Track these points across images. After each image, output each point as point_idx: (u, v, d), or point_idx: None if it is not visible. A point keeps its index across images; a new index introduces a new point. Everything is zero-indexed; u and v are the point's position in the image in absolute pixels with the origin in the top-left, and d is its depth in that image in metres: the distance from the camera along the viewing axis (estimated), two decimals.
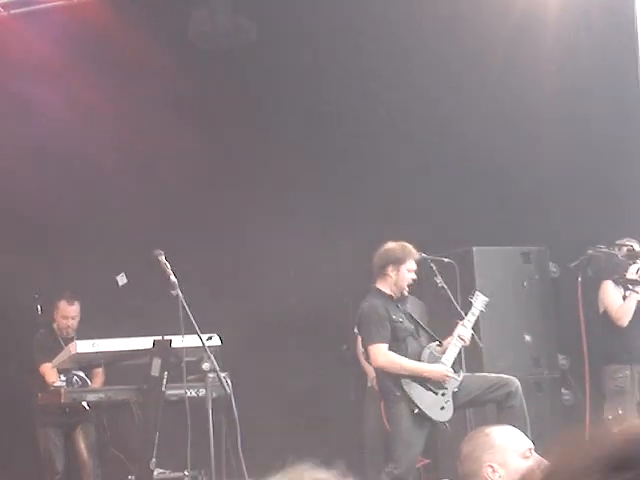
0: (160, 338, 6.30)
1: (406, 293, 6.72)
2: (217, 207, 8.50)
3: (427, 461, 7.81)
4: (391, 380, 6.56)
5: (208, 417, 6.20)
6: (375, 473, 7.97)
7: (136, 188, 8.30)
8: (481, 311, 6.81)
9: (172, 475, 6.71)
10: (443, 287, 6.99)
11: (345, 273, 8.41)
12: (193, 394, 6.44)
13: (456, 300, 7.10)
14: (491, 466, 3.29)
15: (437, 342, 6.76)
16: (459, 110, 7.93)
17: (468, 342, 6.71)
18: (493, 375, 6.78)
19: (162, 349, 6.28)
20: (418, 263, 6.79)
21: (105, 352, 6.50)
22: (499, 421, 6.52)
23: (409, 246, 6.61)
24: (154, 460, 6.33)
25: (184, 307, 5.49)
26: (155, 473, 6.39)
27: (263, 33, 8.31)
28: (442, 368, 6.61)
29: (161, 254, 5.84)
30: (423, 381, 6.56)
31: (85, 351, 6.40)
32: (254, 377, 7.97)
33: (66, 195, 7.98)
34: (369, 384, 8.26)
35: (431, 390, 6.59)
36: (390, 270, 6.61)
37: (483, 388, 6.59)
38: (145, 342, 6.37)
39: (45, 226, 8.16)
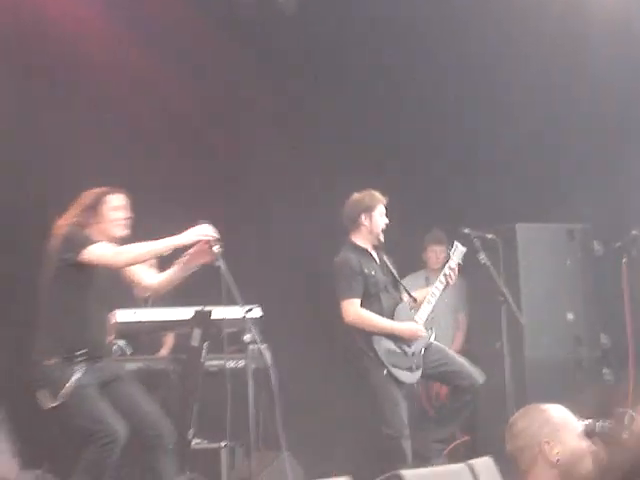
0: (201, 309, 6.30)
1: (382, 239, 6.65)
2: (266, 179, 8.47)
3: (466, 438, 7.78)
4: (362, 338, 6.44)
5: (248, 389, 6.19)
6: (413, 450, 7.96)
7: (181, 158, 8.28)
8: (458, 263, 6.74)
9: (210, 446, 6.72)
10: (486, 264, 6.92)
11: (389, 248, 8.37)
12: (233, 365, 6.43)
13: (499, 277, 7.03)
14: (548, 442, 3.28)
15: (412, 299, 6.69)
16: (506, 90, 7.83)
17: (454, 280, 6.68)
18: (463, 360, 6.67)
19: (202, 320, 6.28)
20: (462, 239, 6.75)
21: (146, 322, 6.51)
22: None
23: (376, 193, 6.62)
24: (192, 430, 6.34)
25: (226, 278, 5.46)
26: (193, 443, 6.40)
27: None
28: (414, 327, 6.53)
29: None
30: (394, 339, 6.48)
31: (126, 320, 6.41)
32: (294, 349, 7.95)
33: (104, 165, 7.97)
34: None
35: (401, 349, 6.50)
36: (363, 219, 6.59)
37: (454, 369, 6.53)
38: (186, 312, 6.38)
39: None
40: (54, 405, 5.26)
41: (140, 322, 6.49)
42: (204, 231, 5.41)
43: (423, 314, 6.63)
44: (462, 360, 6.66)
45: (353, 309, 6.42)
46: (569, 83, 7.80)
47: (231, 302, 5.58)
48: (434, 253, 8.24)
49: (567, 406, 3.47)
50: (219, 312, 6.27)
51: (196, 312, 6.32)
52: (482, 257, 6.89)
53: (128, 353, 7.33)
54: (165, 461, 5.45)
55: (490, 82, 7.95)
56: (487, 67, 7.93)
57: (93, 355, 5.39)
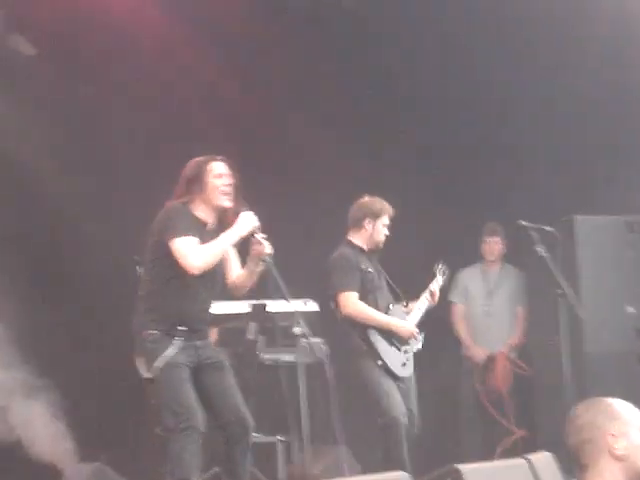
0: (256, 302, 6.31)
1: (381, 246, 6.63)
2: (315, 172, 8.46)
3: (523, 433, 7.71)
4: (357, 332, 6.37)
5: (299, 383, 6.19)
6: (471, 443, 7.91)
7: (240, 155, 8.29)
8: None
9: (265, 439, 6.72)
10: (543, 256, 6.84)
11: (435, 243, 8.31)
12: (288, 359, 6.43)
13: (557, 270, 6.94)
14: (614, 435, 3.23)
15: (404, 303, 6.66)
16: (567, 81, 7.73)
17: (436, 301, 6.74)
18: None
19: (258, 313, 6.29)
20: (518, 231, 6.68)
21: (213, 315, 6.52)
22: None
23: (386, 203, 6.61)
24: None
25: (274, 272, 5.44)
26: None
27: None
28: (410, 326, 6.50)
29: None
30: (388, 336, 6.41)
31: None
32: (350, 344, 7.93)
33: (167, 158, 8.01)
34: (464, 353, 8.18)
35: (395, 346, 6.44)
36: (367, 223, 6.57)
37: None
38: (242, 306, 6.39)
39: (143, 192, 8.19)
40: (148, 377, 5.22)
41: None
42: (252, 219, 5.38)
43: (415, 317, 6.62)
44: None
45: (351, 301, 6.36)
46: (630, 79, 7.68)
47: (279, 296, 5.56)
48: (488, 245, 8.18)
49: (628, 401, 3.41)
50: (274, 305, 6.28)
51: (253, 305, 6.33)
52: (540, 249, 6.80)
53: None
54: (246, 456, 5.42)
55: (543, 79, 7.87)
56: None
57: (192, 333, 5.33)
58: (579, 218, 7.76)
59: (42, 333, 7.57)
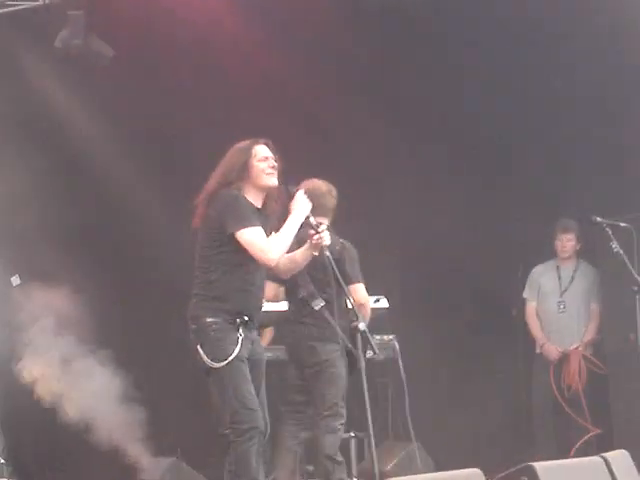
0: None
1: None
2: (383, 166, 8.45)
3: (598, 431, 7.62)
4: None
5: (373, 379, 6.19)
6: (546, 441, 7.83)
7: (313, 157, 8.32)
8: None
9: None
10: (619, 252, 6.75)
11: (515, 237, 8.26)
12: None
13: (632, 266, 6.85)
14: None
15: None
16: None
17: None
18: None
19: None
20: (593, 228, 6.60)
21: (272, 312, 6.55)
22: None
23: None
24: None
25: (334, 270, 5.41)
26: None
27: None
28: None
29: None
30: None
31: None
32: (421, 341, 7.92)
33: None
34: (537, 350, 8.10)
35: None
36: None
37: None
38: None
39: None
40: (214, 367, 5.12)
41: (268, 312, 6.53)
42: (307, 203, 5.33)
43: None
44: None
45: (364, 292, 6.28)
46: None
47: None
48: (560, 242, 8.09)
49: None
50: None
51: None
52: (615, 246, 6.72)
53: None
54: (259, 456, 5.42)
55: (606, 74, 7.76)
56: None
57: (252, 324, 5.29)
58: None
59: (123, 326, 7.70)
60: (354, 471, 6.73)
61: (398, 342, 6.82)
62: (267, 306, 6.50)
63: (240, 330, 5.18)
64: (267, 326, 7.39)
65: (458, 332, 8.59)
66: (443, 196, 8.35)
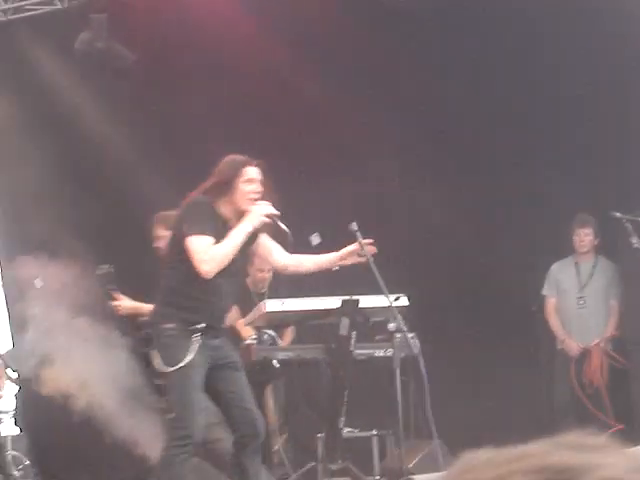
0: (348, 298, 6.32)
1: None
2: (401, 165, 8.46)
3: (620, 427, 7.60)
4: None
5: (395, 378, 6.19)
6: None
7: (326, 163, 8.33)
8: None
9: (361, 434, 6.74)
10: (638, 248, 6.74)
11: (532, 234, 8.24)
12: (381, 354, 6.44)
13: None
14: None
15: None
16: None
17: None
18: None
19: (350, 309, 6.30)
20: (612, 223, 6.60)
21: (294, 311, 6.57)
22: None
23: None
24: (343, 419, 6.37)
25: (372, 268, 5.46)
26: (344, 432, 6.43)
27: None
28: None
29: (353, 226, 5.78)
30: None
31: (275, 310, 6.48)
32: (441, 338, 7.92)
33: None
34: (559, 346, 8.10)
35: None
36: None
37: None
38: (333, 302, 6.41)
39: None
40: (165, 371, 5.21)
41: (289, 312, 6.56)
42: (266, 210, 5.30)
43: None
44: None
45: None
46: None
47: (377, 291, 5.59)
48: (578, 237, 8.06)
49: None
50: (366, 301, 6.30)
51: (344, 301, 6.35)
52: (635, 241, 6.73)
53: (279, 343, 7.41)
54: (254, 460, 5.43)
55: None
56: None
57: (211, 331, 5.29)
58: None
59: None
60: (377, 469, 6.74)
61: (419, 339, 6.82)
62: (287, 305, 6.54)
63: (196, 337, 5.20)
64: (287, 325, 7.42)
65: (479, 329, 8.58)
66: (464, 196, 8.35)
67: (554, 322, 8.13)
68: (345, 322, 6.35)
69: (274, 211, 5.33)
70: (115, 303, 6.69)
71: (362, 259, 5.52)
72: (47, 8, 7.69)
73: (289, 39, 7.89)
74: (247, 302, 7.14)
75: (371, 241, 5.48)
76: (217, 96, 8.22)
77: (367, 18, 7.91)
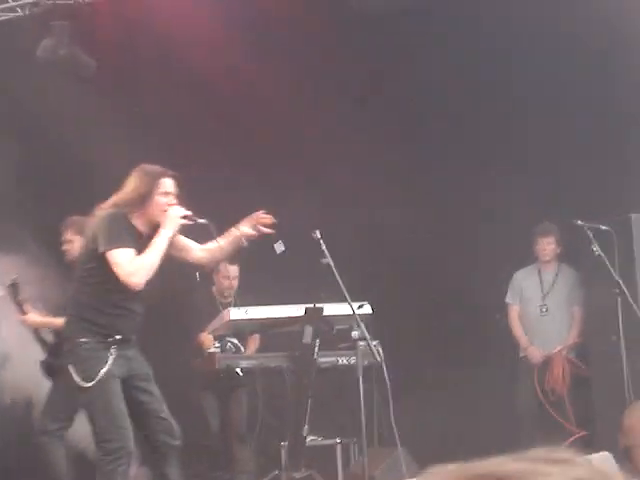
0: (312, 306, 6.32)
1: None
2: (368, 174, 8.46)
3: (583, 433, 7.64)
4: None
5: (359, 386, 6.20)
6: (531, 444, 7.85)
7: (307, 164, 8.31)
8: None
9: (324, 442, 6.74)
10: (600, 255, 6.79)
11: (495, 242, 8.27)
12: (345, 362, 6.44)
13: (614, 269, 6.88)
14: None
15: None
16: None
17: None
18: None
19: (314, 317, 6.30)
20: (574, 231, 6.65)
21: (258, 319, 6.56)
22: None
23: None
24: (306, 427, 6.36)
25: (335, 275, 5.48)
26: (307, 440, 6.42)
27: None
28: None
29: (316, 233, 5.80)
30: None
31: (238, 318, 6.47)
32: (405, 346, 7.93)
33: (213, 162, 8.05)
34: (521, 354, 8.13)
35: None
36: None
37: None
38: (297, 310, 6.41)
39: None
40: (84, 386, 5.18)
41: (252, 320, 6.55)
42: (180, 212, 5.30)
43: None
44: None
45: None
46: None
47: (341, 299, 5.58)
48: (540, 246, 8.10)
49: None
50: (330, 309, 6.30)
51: (307, 309, 6.35)
52: (596, 249, 6.77)
53: (243, 351, 7.40)
54: (174, 466, 5.45)
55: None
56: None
57: (125, 343, 5.30)
58: (636, 216, 7.68)
59: None
60: (340, 477, 6.74)
61: (382, 348, 6.83)
62: (250, 313, 6.52)
63: (111, 349, 5.22)
64: (251, 333, 7.40)
65: (442, 337, 8.61)
66: (427, 199, 8.37)
67: (517, 330, 8.17)
68: (309, 330, 6.35)
69: (186, 211, 5.34)
70: (21, 318, 6.65)
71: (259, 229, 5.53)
72: (9, 15, 7.64)
73: (257, 44, 7.88)
74: (213, 311, 7.11)
75: (269, 216, 5.49)
76: (182, 102, 8.20)
77: (334, 20, 7.92)
